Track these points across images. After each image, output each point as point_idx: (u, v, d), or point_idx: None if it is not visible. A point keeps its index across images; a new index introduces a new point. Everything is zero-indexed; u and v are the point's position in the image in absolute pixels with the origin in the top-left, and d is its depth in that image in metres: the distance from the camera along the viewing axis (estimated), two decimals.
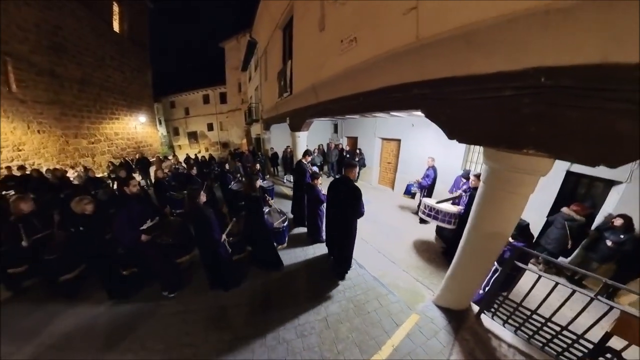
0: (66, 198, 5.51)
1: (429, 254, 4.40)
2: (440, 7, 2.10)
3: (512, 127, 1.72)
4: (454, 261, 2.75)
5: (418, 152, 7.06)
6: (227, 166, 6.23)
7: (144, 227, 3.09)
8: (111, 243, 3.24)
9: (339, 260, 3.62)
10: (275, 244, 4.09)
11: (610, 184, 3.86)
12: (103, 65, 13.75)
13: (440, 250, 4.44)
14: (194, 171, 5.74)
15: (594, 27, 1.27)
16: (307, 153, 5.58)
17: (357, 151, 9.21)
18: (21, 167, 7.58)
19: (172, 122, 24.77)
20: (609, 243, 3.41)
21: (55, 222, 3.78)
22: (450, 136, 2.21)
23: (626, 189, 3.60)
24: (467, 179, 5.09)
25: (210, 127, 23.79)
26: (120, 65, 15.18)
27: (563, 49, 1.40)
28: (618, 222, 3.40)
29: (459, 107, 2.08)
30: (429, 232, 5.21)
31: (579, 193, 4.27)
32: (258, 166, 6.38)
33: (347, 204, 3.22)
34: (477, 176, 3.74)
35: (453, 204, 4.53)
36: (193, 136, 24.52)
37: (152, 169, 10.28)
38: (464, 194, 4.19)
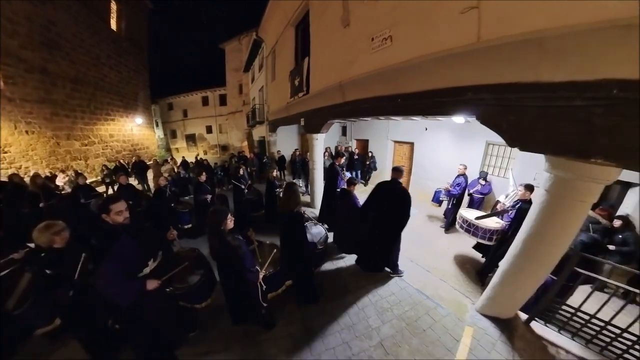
0: (49, 210, 4.63)
1: (460, 260, 4.25)
2: (507, 9, 2.00)
3: (581, 137, 1.73)
4: (502, 269, 2.65)
5: (432, 155, 7.02)
6: (241, 171, 5.49)
7: (146, 271, 2.07)
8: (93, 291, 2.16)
9: (380, 263, 3.37)
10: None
11: (627, 185, 3.92)
12: (98, 64, 13.12)
13: (478, 266, 4.09)
14: (203, 177, 4.92)
15: None
16: (339, 155, 5.28)
17: (369, 154, 9.04)
18: None
19: (170, 124, 24.03)
20: (611, 248, 3.45)
21: (19, 255, 2.63)
22: (512, 144, 2.18)
23: None
24: (486, 180, 5.36)
25: (209, 129, 23.13)
26: (117, 64, 14.56)
27: (638, 63, 1.41)
28: (617, 223, 3.53)
29: (524, 115, 2.03)
30: (454, 237, 5.05)
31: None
32: (275, 172, 5.72)
33: (394, 208, 3.09)
34: (528, 188, 3.45)
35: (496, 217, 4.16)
36: (191, 139, 23.81)
37: (149, 173, 9.63)
38: (511, 208, 3.72)
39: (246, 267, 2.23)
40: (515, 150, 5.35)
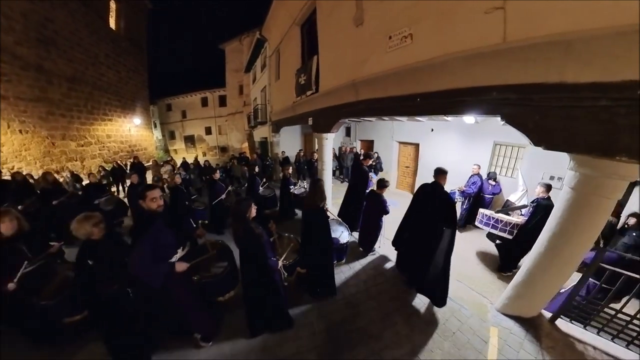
0: (61, 208, 4.64)
1: (473, 261, 4.26)
2: (534, 10, 2.03)
3: (606, 136, 1.79)
4: (527, 268, 2.65)
5: (438, 156, 7.03)
6: (256, 169, 5.51)
7: (175, 258, 2.20)
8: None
9: (431, 280, 3.04)
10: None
11: (634, 183, 3.96)
12: (96, 62, 12.84)
13: (491, 266, 4.17)
14: (217, 175, 4.94)
15: None
16: (367, 156, 5.20)
17: (374, 155, 8.84)
18: None
19: (168, 125, 23.68)
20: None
21: (55, 248, 2.78)
22: (537, 143, 2.20)
23: None
24: (495, 180, 5.44)
25: (208, 130, 22.82)
26: (116, 64, 14.28)
27: None
28: (631, 221, 3.39)
29: (549, 115, 2.07)
30: (467, 237, 5.06)
31: None
32: (291, 169, 5.62)
33: (437, 213, 2.97)
34: (546, 186, 3.55)
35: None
36: (190, 140, 23.47)
37: (148, 174, 9.30)
38: (530, 204, 3.86)
39: (267, 254, 2.27)
40: (523, 150, 5.42)
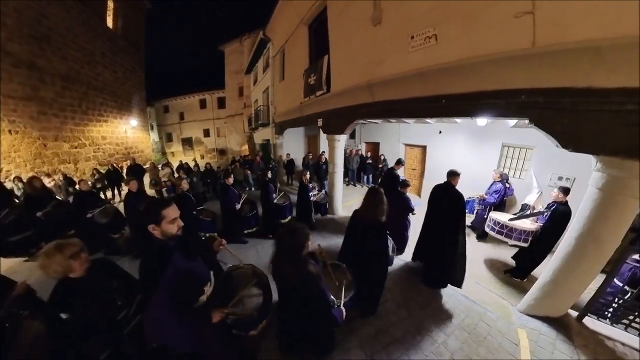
0: (47, 220, 3.89)
1: (489, 264, 4.24)
2: (564, 17, 2.10)
3: (633, 138, 1.88)
4: (553, 268, 2.66)
5: (446, 159, 7.02)
6: (269, 174, 4.91)
7: (202, 300, 1.55)
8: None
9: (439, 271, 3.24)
10: None
11: None
12: (92, 61, 12.41)
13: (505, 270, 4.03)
14: (231, 180, 4.26)
15: None
16: (399, 162, 5.17)
17: (380, 157, 8.94)
18: None
19: (165, 127, 23.17)
20: None
21: (21, 289, 1.79)
22: (565, 146, 2.28)
23: None
24: (508, 183, 5.31)
25: (206, 133, 22.38)
26: (112, 63, 13.87)
27: None
28: None
29: (578, 118, 2.15)
30: (481, 242, 5.01)
31: None
32: (308, 174, 5.20)
33: (451, 212, 3.13)
34: (564, 190, 3.41)
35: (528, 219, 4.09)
36: (188, 142, 22.98)
37: (145, 177, 8.85)
38: (546, 210, 3.69)
39: (329, 302, 1.68)
40: (531, 151, 5.50)
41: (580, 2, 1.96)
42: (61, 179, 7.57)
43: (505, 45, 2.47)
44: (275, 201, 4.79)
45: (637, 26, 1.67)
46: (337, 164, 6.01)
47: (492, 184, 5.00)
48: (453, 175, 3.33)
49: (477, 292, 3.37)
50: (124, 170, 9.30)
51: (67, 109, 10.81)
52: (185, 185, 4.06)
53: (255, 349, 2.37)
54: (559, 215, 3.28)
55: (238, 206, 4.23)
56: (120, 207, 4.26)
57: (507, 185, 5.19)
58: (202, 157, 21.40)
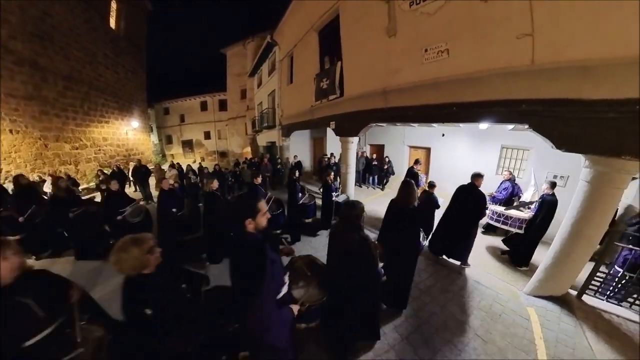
0: (78, 220, 3.94)
1: (493, 254, 4.61)
2: (558, 39, 2.54)
3: (615, 140, 2.35)
4: (553, 251, 3.02)
5: (449, 160, 7.48)
6: (297, 173, 4.94)
7: (283, 291, 1.57)
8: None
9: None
10: None
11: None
12: (94, 62, 12.24)
13: (503, 255, 4.56)
14: (259, 179, 4.30)
15: None
16: (417, 162, 5.60)
17: (385, 159, 9.10)
18: None
19: (165, 129, 22.95)
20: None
21: (76, 296, 1.61)
22: (559, 147, 2.71)
23: None
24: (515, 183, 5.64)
25: (207, 135, 22.22)
26: (114, 64, 13.71)
27: None
28: None
29: (570, 124, 2.59)
30: (487, 238, 5.29)
31: None
32: (332, 174, 5.21)
33: (470, 210, 3.58)
34: (551, 184, 3.87)
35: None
36: (188, 144, 22.77)
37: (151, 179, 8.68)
38: (536, 200, 4.27)
39: (377, 260, 2.08)
40: (528, 152, 6.01)
41: (572, 27, 2.43)
42: (65, 179, 7.35)
43: (508, 62, 2.90)
44: (301, 201, 4.80)
45: (617, 49, 2.16)
46: (349, 165, 6.05)
47: (501, 182, 5.38)
48: (477, 176, 3.68)
49: (489, 279, 3.71)
50: (130, 172, 9.12)
51: (69, 109, 10.62)
52: (215, 184, 4.05)
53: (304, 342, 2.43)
54: (547, 204, 3.77)
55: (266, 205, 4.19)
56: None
57: (515, 184, 5.48)
58: (203, 159, 21.15)
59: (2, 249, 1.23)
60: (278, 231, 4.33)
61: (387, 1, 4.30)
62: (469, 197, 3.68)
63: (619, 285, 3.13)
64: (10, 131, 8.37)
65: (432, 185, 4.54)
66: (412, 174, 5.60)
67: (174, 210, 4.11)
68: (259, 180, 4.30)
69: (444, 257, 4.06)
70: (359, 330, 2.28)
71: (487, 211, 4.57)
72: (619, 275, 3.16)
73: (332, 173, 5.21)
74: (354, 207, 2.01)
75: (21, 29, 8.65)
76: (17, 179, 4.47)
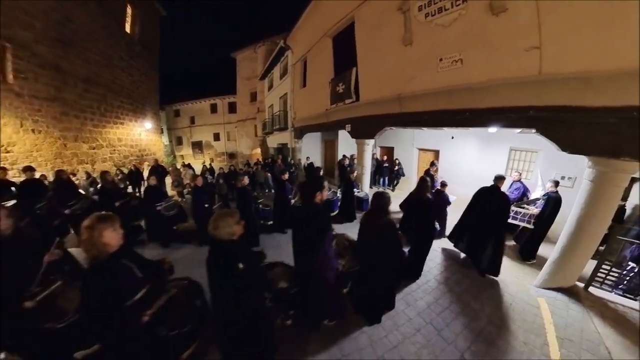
0: (123, 208, 4.32)
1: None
2: (563, 52, 2.82)
3: (614, 143, 2.58)
4: (560, 246, 3.22)
5: (457, 162, 7.66)
6: (355, 174, 5.67)
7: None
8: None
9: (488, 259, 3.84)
10: None
11: (633, 180, 4.53)
12: (111, 65, 12.58)
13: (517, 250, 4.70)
14: (286, 176, 4.68)
15: None
16: (433, 164, 5.80)
17: (395, 161, 9.26)
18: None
19: (176, 131, 23.38)
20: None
21: (168, 263, 2.13)
22: (564, 149, 2.96)
23: None
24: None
25: (216, 137, 22.58)
26: (129, 67, 14.05)
27: None
28: None
29: (574, 128, 2.83)
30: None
31: None
32: (356, 172, 5.57)
33: (494, 213, 3.69)
34: (555, 182, 4.10)
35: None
36: (198, 146, 23.14)
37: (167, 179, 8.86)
38: (542, 198, 4.53)
39: (401, 244, 2.60)
40: (535, 155, 6.26)
41: (575, 42, 2.70)
42: (85, 177, 7.61)
43: (518, 72, 3.17)
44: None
45: (617, 61, 2.43)
46: (365, 166, 6.16)
47: (512, 183, 5.57)
48: (499, 179, 3.87)
49: (500, 275, 3.85)
50: (147, 171, 9.32)
51: (87, 111, 10.92)
52: (246, 180, 4.27)
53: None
54: (552, 200, 4.04)
55: (293, 200, 4.64)
56: None
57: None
58: (212, 160, 21.37)
59: (114, 221, 1.55)
60: None
61: (403, 12, 4.49)
62: (492, 199, 3.79)
63: (627, 278, 3.32)
64: (33, 131, 8.65)
65: (443, 184, 4.97)
66: (428, 176, 5.61)
67: (206, 205, 4.40)
68: (286, 176, 4.67)
69: (462, 254, 4.31)
70: (379, 299, 2.77)
71: None
72: (627, 268, 3.35)
73: (355, 172, 5.40)
74: (383, 197, 2.45)
75: (45, 34, 8.97)
76: (58, 174, 4.74)
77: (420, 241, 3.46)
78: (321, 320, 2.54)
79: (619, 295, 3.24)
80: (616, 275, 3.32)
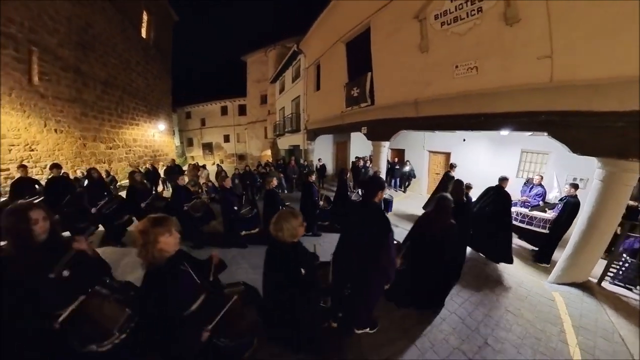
0: (148, 208, 4.41)
1: (515, 252, 4.57)
2: (573, 61, 3.03)
3: (622, 145, 2.76)
4: (574, 242, 3.37)
5: (470, 164, 7.54)
6: (348, 174, 5.58)
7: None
8: None
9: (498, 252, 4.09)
10: None
11: None
12: (128, 68, 13.00)
13: (532, 254, 4.70)
14: (313, 177, 4.77)
15: None
16: (452, 166, 5.82)
17: (407, 163, 9.29)
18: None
19: (187, 132, 23.84)
20: None
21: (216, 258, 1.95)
22: (574, 151, 3.15)
23: None
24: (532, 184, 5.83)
25: (226, 138, 22.96)
26: (144, 71, 14.48)
27: None
28: None
29: (583, 132, 3.03)
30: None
31: None
32: (373, 173, 5.61)
33: (504, 209, 4.04)
34: (574, 186, 4.12)
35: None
36: (208, 147, 23.54)
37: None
38: (559, 202, 4.45)
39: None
40: (547, 156, 6.35)
41: (584, 52, 2.90)
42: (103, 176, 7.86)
43: (530, 79, 3.35)
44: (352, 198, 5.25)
45: (621, 69, 2.64)
46: (380, 168, 6.29)
47: (532, 187, 5.36)
48: (504, 180, 4.17)
49: (513, 271, 4.02)
50: (162, 171, 9.60)
51: (105, 112, 11.29)
52: (275, 182, 4.34)
53: None
54: (570, 206, 4.02)
55: (321, 202, 4.70)
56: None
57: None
58: (222, 161, 21.83)
59: (171, 225, 1.42)
60: (326, 223, 4.67)
61: (420, 20, 4.64)
62: (497, 197, 4.10)
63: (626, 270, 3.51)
64: (55, 130, 9.00)
65: (468, 186, 4.81)
66: (449, 178, 5.73)
67: (235, 208, 4.32)
68: (313, 178, 4.69)
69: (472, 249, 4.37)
70: (427, 296, 2.87)
71: (512, 213, 4.68)
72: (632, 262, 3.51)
73: (375, 173, 5.53)
74: (445, 200, 2.52)
75: (68, 38, 9.36)
76: (90, 173, 4.85)
77: (461, 242, 3.43)
78: (365, 328, 2.49)
79: (630, 289, 3.37)
80: (628, 270, 3.45)
